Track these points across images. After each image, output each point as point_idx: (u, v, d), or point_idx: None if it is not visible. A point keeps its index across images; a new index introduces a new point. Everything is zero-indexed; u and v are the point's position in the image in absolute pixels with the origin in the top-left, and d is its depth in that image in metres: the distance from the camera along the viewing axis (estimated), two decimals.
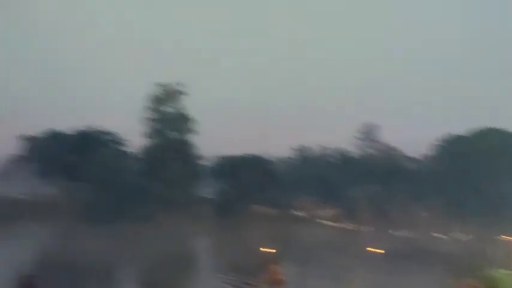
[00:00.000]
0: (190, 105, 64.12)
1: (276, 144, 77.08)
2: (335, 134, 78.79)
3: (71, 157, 59.34)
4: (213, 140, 65.96)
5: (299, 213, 61.53)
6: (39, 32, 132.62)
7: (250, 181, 57.82)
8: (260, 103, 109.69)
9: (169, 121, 62.83)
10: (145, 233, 37.58)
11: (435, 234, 52.48)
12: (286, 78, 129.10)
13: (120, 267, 24.36)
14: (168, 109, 63.45)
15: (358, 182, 62.70)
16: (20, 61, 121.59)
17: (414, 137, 70.21)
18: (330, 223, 58.61)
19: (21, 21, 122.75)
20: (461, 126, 65.86)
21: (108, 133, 62.13)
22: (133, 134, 63.16)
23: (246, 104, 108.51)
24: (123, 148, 61.83)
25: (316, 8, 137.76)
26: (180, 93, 63.41)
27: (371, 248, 32.41)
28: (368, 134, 70.39)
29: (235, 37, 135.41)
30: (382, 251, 31.83)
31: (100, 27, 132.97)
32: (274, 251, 24.34)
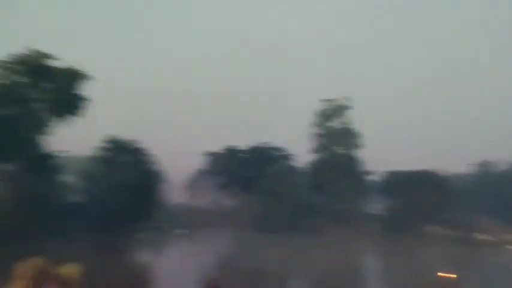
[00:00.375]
0: (358, 120, 63.85)
1: (452, 159, 70.32)
2: None
3: (247, 171, 64.63)
4: (382, 154, 63.94)
5: (480, 236, 54.73)
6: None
7: (423, 198, 53.88)
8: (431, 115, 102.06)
9: (335, 136, 63.29)
10: (313, 245, 38.37)
11: None
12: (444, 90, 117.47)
13: (291, 276, 25.30)
14: (335, 124, 64.07)
15: None
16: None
17: None
18: None
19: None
20: None
21: (279, 149, 65.87)
22: (302, 149, 65.61)
23: (413, 118, 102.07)
24: (293, 163, 64.58)
25: None
26: (346, 108, 63.47)
27: None
28: None
29: (401, 52, 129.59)
30: None
31: (269, 45, 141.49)
32: (454, 276, 22.28)
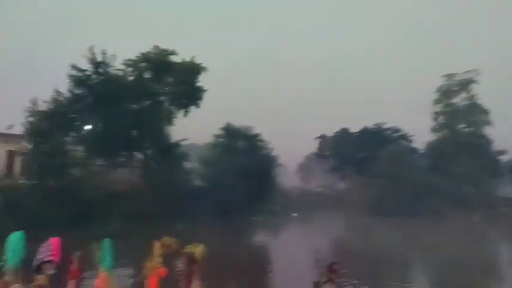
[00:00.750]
0: (483, 94, 58.20)
1: None
2: None
3: (361, 153, 63.25)
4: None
5: None
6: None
7: None
8: None
9: (459, 113, 58.56)
10: (434, 230, 36.24)
11: None
12: None
13: (408, 260, 24.37)
14: (459, 100, 59.27)
15: None
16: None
17: None
18: None
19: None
20: None
21: (395, 130, 63.07)
22: (420, 129, 62.02)
23: None
24: (410, 144, 61.43)
25: None
26: (472, 82, 58.16)
27: None
28: None
29: None
30: None
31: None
32: None
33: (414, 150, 61.05)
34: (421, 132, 61.02)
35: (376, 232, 35.20)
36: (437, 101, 60.24)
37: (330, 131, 69.20)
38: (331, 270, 5.52)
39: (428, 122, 60.84)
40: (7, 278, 7.68)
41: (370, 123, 64.75)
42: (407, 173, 52.46)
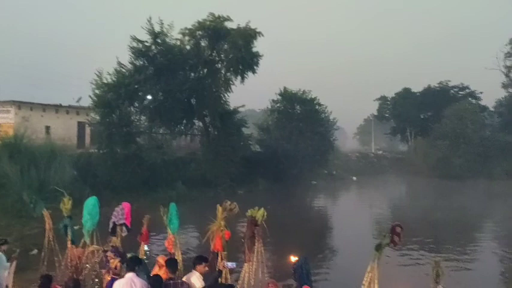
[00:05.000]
0: None
1: None
2: None
3: (424, 114, 60.61)
4: None
5: None
6: None
7: None
8: None
9: None
10: (503, 191, 34.35)
11: None
12: None
13: (476, 224, 23.44)
14: None
15: None
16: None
17: None
18: None
19: None
20: None
21: (461, 87, 59.56)
22: (490, 85, 58.18)
23: None
24: (478, 101, 57.85)
25: None
26: None
27: None
28: None
29: None
30: None
31: None
32: None
33: (483, 108, 57.52)
34: (491, 89, 57.25)
35: (440, 195, 34.00)
36: (509, 54, 55.86)
37: (391, 92, 66.72)
38: (394, 232, 5.44)
39: (499, 78, 56.82)
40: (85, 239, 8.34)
41: (433, 82, 61.61)
42: (476, 132, 49.68)
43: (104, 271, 7.08)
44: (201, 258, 6.31)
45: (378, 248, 5.40)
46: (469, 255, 16.55)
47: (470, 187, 36.93)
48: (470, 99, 57.57)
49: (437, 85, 60.64)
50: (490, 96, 59.76)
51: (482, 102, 57.98)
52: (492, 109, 58.50)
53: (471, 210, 26.54)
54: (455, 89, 59.74)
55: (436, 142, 50.02)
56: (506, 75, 56.46)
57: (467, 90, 59.06)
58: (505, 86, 56.97)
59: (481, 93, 58.26)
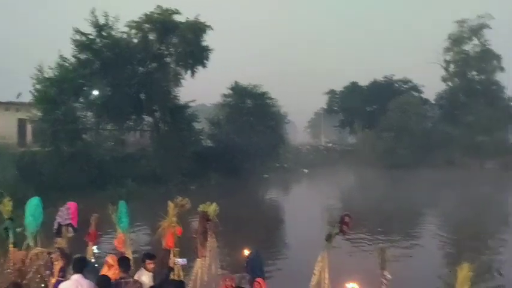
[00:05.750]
0: (495, 40, 56.56)
1: None
2: None
3: (370, 107, 62.67)
4: None
5: None
6: None
7: None
8: None
9: (470, 61, 57.19)
10: (445, 180, 36.32)
11: None
12: None
13: (423, 212, 24.63)
14: (469, 48, 57.75)
15: None
16: None
17: None
18: None
19: None
20: None
21: (404, 81, 62.08)
22: (430, 79, 60.99)
23: None
24: (420, 94, 60.59)
25: None
26: (483, 27, 56.41)
27: None
28: None
29: None
30: None
31: None
32: None
33: (425, 101, 60.33)
34: (432, 83, 60.11)
35: (387, 185, 35.41)
36: (448, 49, 58.75)
37: (339, 86, 68.41)
38: (343, 222, 5.61)
39: (438, 72, 59.74)
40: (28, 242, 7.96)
41: (379, 76, 63.79)
42: (419, 124, 52.18)
43: (48, 273, 6.81)
44: (148, 255, 6.23)
45: (328, 238, 5.56)
46: (414, 241, 17.38)
47: (414, 176, 38.70)
48: (413, 92, 60.10)
49: (382, 79, 62.82)
50: (431, 89, 62.65)
51: (424, 95, 60.78)
52: (433, 102, 61.45)
53: (416, 198, 27.85)
54: (399, 83, 62.12)
55: (382, 134, 52.00)
56: (446, 69, 59.41)
57: (410, 84, 61.58)
58: (444, 80, 59.91)
59: (423, 86, 61.03)
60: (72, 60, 30.26)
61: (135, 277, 5.88)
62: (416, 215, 23.41)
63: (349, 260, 12.98)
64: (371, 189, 33.38)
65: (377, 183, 36.55)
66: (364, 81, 64.62)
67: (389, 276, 5.29)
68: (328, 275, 5.44)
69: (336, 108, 68.40)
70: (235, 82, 43.39)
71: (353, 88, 64.50)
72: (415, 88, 61.19)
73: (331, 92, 68.32)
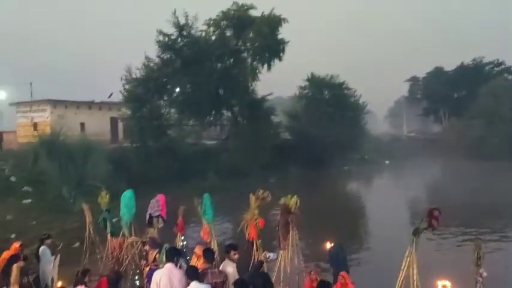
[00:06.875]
0: None
1: None
2: None
3: (457, 93, 58.78)
4: None
5: None
6: None
7: None
8: None
9: None
10: None
11: None
12: None
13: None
14: None
15: None
16: None
17: None
18: None
19: None
20: None
21: (496, 63, 57.32)
22: None
23: None
24: None
25: None
26: None
27: None
28: None
29: None
30: None
31: None
32: None
33: None
34: None
35: (476, 176, 32.96)
36: None
37: (422, 72, 65.01)
38: (431, 216, 5.32)
39: None
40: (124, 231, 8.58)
41: (467, 60, 59.53)
42: None
43: (143, 262, 7.27)
44: (231, 246, 6.37)
45: (415, 232, 5.31)
46: (510, 237, 16.07)
47: (508, 167, 35.59)
48: (506, 75, 55.35)
49: (470, 62, 58.62)
50: None
51: None
52: None
53: (509, 192, 25.64)
54: (490, 66, 57.56)
55: (471, 122, 48.44)
56: None
57: (502, 66, 56.82)
58: None
59: None
60: (156, 60, 31.90)
61: (221, 268, 6.08)
62: (509, 210, 21.56)
63: (438, 256, 12.36)
64: (459, 181, 31.31)
65: (465, 174, 34.24)
66: (450, 66, 60.78)
67: (485, 273, 4.97)
68: (417, 271, 5.20)
69: (418, 95, 65.18)
70: (312, 73, 42.98)
71: (437, 73, 60.92)
72: (509, 70, 56.26)
73: (413, 79, 65.18)
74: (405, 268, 5.23)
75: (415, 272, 5.18)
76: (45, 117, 32.31)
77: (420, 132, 69.55)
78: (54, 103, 32.75)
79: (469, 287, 4.98)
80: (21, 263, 6.61)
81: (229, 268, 6.06)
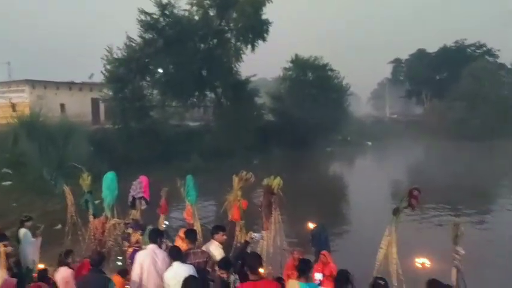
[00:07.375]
0: None
1: None
2: None
3: (439, 75, 59.35)
4: None
5: None
6: None
7: None
8: None
9: None
10: None
11: None
12: None
13: (493, 186, 23.20)
14: None
15: None
16: None
17: None
18: None
19: None
20: None
21: (478, 45, 57.92)
22: (507, 42, 56.28)
23: None
24: (496, 59, 56.29)
25: None
26: None
27: None
28: None
29: None
30: None
31: None
32: None
33: (501, 66, 55.99)
34: (509, 46, 55.45)
35: (457, 157, 33.61)
36: None
37: (405, 54, 65.32)
38: (411, 195, 5.41)
39: None
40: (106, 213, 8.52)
41: (449, 42, 59.98)
42: (494, 91, 48.53)
43: (126, 244, 7.26)
44: (219, 227, 6.39)
45: (396, 211, 5.40)
46: (487, 217, 16.51)
47: (488, 149, 36.36)
48: (487, 57, 56.06)
49: (453, 44, 59.13)
50: (508, 53, 57.82)
51: (500, 60, 56.43)
52: (510, 66, 56.96)
53: (489, 172, 26.26)
54: (472, 48, 58.18)
55: (453, 103, 49.13)
56: None
57: (484, 49, 57.51)
58: None
59: (499, 50, 56.70)
60: (138, 40, 31.29)
61: (203, 248, 6.11)
62: (489, 190, 22.11)
63: (418, 235, 12.64)
64: (440, 162, 31.92)
65: (447, 155, 34.88)
66: (432, 48, 61.19)
67: (462, 251, 5.07)
68: (396, 250, 5.31)
69: (401, 77, 65.65)
70: (296, 55, 42.82)
71: (420, 55, 61.36)
72: (490, 53, 57.00)
73: (396, 61, 65.54)
74: (384, 246, 5.33)
75: (394, 250, 5.28)
76: (23, 98, 31.57)
77: (402, 114, 70.31)
78: (33, 83, 32.00)
79: (446, 264, 5.09)
80: (9, 248, 6.50)
81: (212, 248, 6.09)
